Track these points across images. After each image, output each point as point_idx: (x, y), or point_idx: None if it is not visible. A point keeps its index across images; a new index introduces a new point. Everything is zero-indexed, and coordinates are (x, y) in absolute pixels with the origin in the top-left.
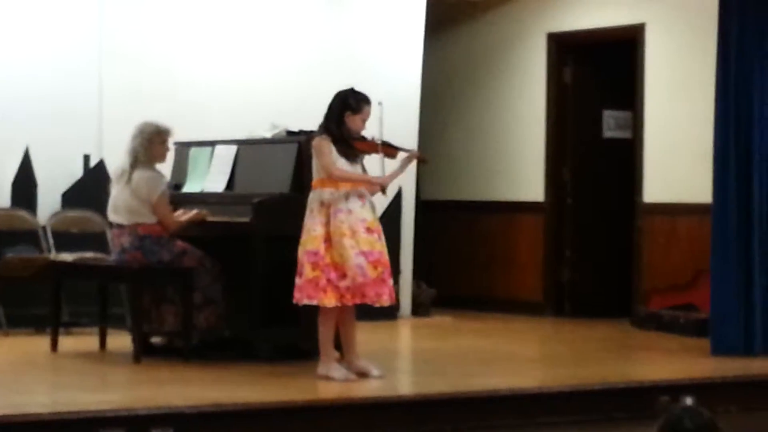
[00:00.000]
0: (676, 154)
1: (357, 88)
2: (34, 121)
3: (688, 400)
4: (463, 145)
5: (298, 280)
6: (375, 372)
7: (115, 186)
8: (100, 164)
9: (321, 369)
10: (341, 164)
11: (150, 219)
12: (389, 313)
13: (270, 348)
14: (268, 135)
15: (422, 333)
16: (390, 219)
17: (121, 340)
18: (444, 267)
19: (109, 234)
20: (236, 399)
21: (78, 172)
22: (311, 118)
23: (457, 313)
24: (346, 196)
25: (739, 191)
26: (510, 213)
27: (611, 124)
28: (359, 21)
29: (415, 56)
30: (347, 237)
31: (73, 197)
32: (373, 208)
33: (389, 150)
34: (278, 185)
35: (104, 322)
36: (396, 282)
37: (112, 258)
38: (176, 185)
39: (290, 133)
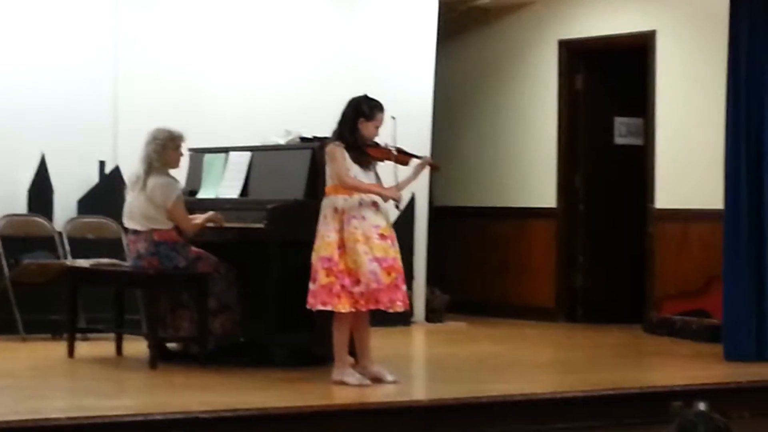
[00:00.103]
0: (688, 161)
1: (370, 95)
2: (50, 128)
3: (701, 406)
4: (476, 152)
5: (311, 286)
6: (389, 377)
7: (130, 192)
8: (116, 171)
9: (335, 374)
10: (355, 171)
11: (165, 225)
12: (403, 318)
13: (285, 353)
14: (282, 141)
15: (436, 339)
16: (403, 225)
17: (137, 346)
18: (457, 273)
19: (125, 240)
20: (251, 404)
21: (93, 179)
22: (324, 125)
23: (470, 319)
24: (360, 203)
25: (750, 197)
26: (522, 219)
27: (623, 130)
28: (371, 28)
29: (427, 63)
30: (361, 243)
31: (88, 203)
32: (386, 214)
33: (402, 157)
34: (292, 191)
35: (120, 328)
36: (409, 288)
37: (127, 264)
38: (191, 192)
39: (304, 139)
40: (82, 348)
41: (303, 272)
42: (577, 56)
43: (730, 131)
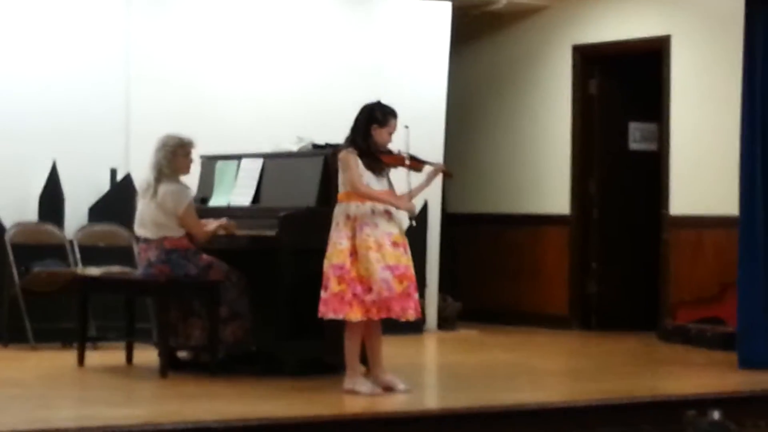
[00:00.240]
0: (703, 167)
1: (383, 101)
2: (61, 135)
3: (716, 414)
4: (489, 158)
5: (323, 294)
6: (401, 386)
7: (141, 200)
8: (127, 178)
9: (347, 383)
10: (367, 178)
11: (176, 232)
12: (415, 326)
13: (296, 362)
14: (294, 148)
15: (448, 347)
16: (416, 232)
17: (147, 355)
18: (470, 280)
19: (136, 248)
20: (262, 413)
21: (105, 186)
22: (337, 132)
23: (483, 327)
24: (373, 210)
25: (766, 203)
26: (536, 226)
27: (637, 136)
28: (385, 34)
29: (440, 69)
30: (373, 251)
31: (99, 211)
32: (399, 221)
33: (415, 163)
34: (304, 198)
35: (131, 337)
36: (422, 296)
37: (138, 272)
38: (202, 199)
39: (316, 146)
40: (93, 357)
41: (315, 280)
42: (591, 61)
43: (745, 136)
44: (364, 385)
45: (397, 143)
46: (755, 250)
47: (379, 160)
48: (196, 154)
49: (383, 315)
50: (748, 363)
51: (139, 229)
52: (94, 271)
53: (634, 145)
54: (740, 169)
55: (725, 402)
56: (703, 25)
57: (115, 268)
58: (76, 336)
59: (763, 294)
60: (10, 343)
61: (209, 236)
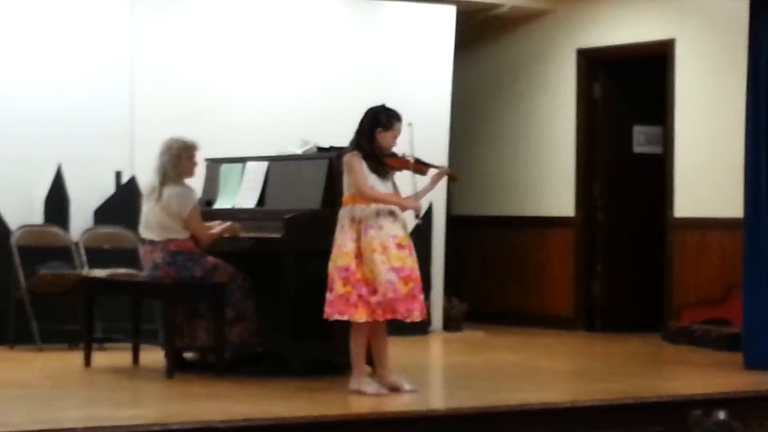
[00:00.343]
0: (707, 169)
1: (388, 105)
2: (66, 138)
3: (721, 415)
4: (494, 161)
5: (328, 296)
6: (407, 387)
7: (146, 203)
8: (132, 181)
9: (353, 384)
10: (372, 180)
11: (182, 235)
12: (421, 328)
13: (302, 363)
14: (299, 151)
15: (453, 348)
16: (421, 234)
17: (153, 356)
18: (475, 282)
19: (141, 250)
20: (268, 414)
21: (110, 189)
22: (342, 135)
23: (488, 328)
24: (377, 212)
25: None
26: (541, 228)
27: (641, 139)
28: (390, 37)
29: (445, 72)
30: (378, 253)
31: (105, 213)
32: (404, 223)
33: (420, 167)
34: (309, 201)
35: (137, 338)
36: (427, 297)
37: (144, 274)
38: (208, 202)
39: (321, 149)
40: (99, 358)
41: (320, 282)
42: (596, 65)
43: (749, 139)
44: (369, 386)
45: (401, 141)
46: (759, 252)
47: (383, 163)
48: (200, 157)
49: (389, 316)
50: (753, 363)
51: (144, 232)
52: (99, 273)
53: (638, 148)
54: (744, 171)
55: (730, 402)
56: (707, 29)
57: (121, 270)
58: (83, 337)
59: (767, 295)
60: (16, 345)
61: (214, 239)
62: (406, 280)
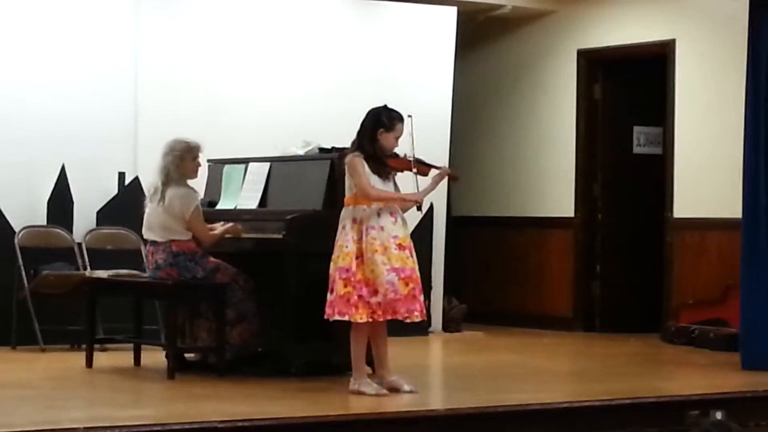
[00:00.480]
0: (706, 170)
1: (389, 106)
2: (69, 139)
3: (718, 415)
4: (494, 162)
5: (329, 297)
6: (406, 387)
7: (149, 204)
8: (135, 182)
9: (353, 384)
10: (374, 181)
11: (184, 236)
12: (421, 328)
13: (302, 363)
14: (301, 152)
15: (453, 348)
16: (421, 235)
17: (155, 356)
18: (475, 283)
19: (144, 251)
20: (269, 414)
21: (113, 190)
22: (343, 136)
23: (487, 329)
24: (378, 213)
25: None
26: (541, 228)
27: (641, 139)
28: (391, 39)
29: (446, 73)
30: (379, 253)
31: (108, 215)
32: (405, 224)
33: (421, 167)
34: (311, 202)
35: (139, 338)
36: (427, 298)
37: (146, 275)
38: (210, 203)
39: (323, 150)
40: (101, 358)
41: (321, 283)
42: (596, 65)
43: (749, 140)
44: (369, 386)
45: (402, 136)
46: (758, 252)
47: (385, 164)
48: (203, 159)
49: (389, 316)
50: (751, 364)
51: (147, 233)
52: (102, 273)
53: (638, 149)
54: (744, 172)
55: (728, 402)
56: (707, 30)
57: (123, 271)
58: (85, 338)
59: (765, 295)
60: (19, 345)
61: (215, 240)
62: (406, 281)
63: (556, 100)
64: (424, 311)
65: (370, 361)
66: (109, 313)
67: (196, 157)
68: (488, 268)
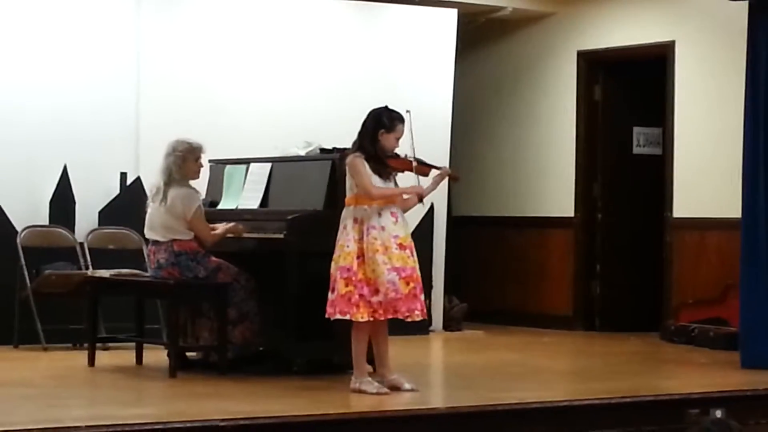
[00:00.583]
0: (706, 170)
1: (390, 107)
2: (71, 140)
3: (718, 413)
4: (494, 162)
5: (330, 296)
6: (407, 386)
7: (151, 204)
8: (137, 182)
9: (354, 383)
10: (375, 181)
11: (186, 235)
12: (421, 327)
13: (304, 362)
14: (302, 152)
15: (454, 347)
16: (422, 235)
17: (157, 355)
18: (475, 282)
19: (146, 250)
20: (270, 412)
21: (115, 190)
22: (344, 136)
23: (488, 328)
24: (379, 213)
25: None
26: (541, 228)
27: (641, 140)
28: (392, 40)
29: (446, 75)
30: (380, 253)
31: (110, 214)
32: (405, 224)
33: (422, 168)
34: (312, 202)
35: (140, 337)
36: (428, 297)
37: (148, 274)
38: (211, 203)
39: (324, 150)
40: (103, 357)
41: (322, 282)
42: (596, 67)
43: (748, 140)
44: (370, 385)
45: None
46: (757, 252)
47: (386, 164)
48: (205, 159)
49: (390, 315)
50: (750, 363)
51: (149, 232)
52: (104, 273)
53: (638, 150)
54: (743, 172)
55: (728, 401)
56: (707, 31)
57: (125, 271)
58: (87, 337)
59: (765, 294)
60: (21, 344)
61: (217, 240)
62: (407, 281)
63: (557, 101)
64: (425, 310)
65: (371, 360)
66: (111, 312)
67: (198, 157)
68: (488, 267)
